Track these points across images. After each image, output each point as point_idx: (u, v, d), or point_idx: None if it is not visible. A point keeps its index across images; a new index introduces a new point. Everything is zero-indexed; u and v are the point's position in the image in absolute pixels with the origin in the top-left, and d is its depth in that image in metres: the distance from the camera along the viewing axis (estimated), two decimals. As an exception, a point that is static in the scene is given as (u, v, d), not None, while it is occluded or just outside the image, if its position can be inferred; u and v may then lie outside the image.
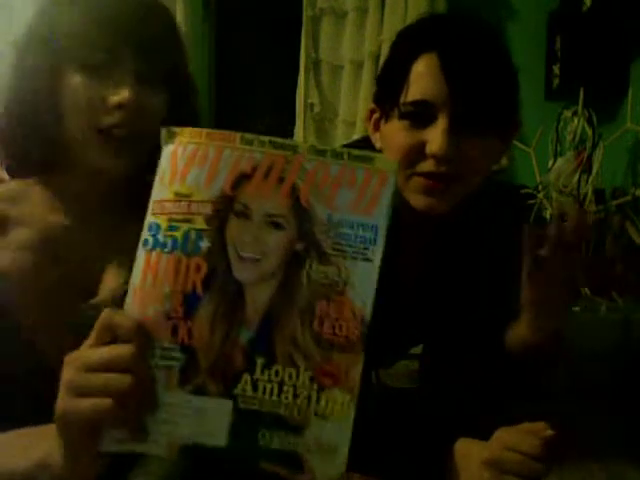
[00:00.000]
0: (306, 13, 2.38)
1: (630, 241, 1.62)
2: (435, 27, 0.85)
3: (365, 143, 0.92)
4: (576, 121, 1.88)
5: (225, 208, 0.54)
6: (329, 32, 2.38)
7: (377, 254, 0.53)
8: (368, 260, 0.53)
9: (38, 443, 0.58)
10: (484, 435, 0.77)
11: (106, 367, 0.52)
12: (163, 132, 0.57)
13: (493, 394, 0.93)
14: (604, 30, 1.82)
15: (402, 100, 0.81)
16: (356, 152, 0.55)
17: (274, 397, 0.52)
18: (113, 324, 0.53)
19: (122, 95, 0.71)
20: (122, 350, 0.52)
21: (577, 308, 1.44)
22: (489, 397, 0.92)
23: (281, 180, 0.54)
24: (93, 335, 0.53)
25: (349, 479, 0.80)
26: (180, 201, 0.55)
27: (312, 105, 2.38)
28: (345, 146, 1.10)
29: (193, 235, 0.54)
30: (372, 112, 0.90)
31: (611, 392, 1.20)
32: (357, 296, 0.53)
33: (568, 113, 1.94)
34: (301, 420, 0.52)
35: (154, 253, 0.54)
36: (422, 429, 0.80)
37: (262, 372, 0.52)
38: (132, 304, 0.54)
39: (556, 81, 2.15)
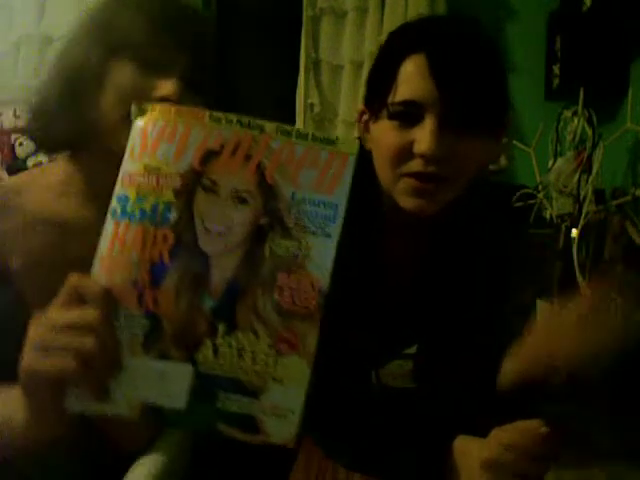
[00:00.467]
0: (306, 13, 2.38)
1: (630, 241, 1.61)
2: (423, 28, 0.85)
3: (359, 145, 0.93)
4: (576, 121, 1.88)
5: (193, 182, 0.57)
6: (329, 32, 2.38)
7: (336, 230, 0.56)
8: (328, 236, 0.56)
9: (3, 401, 0.59)
10: (483, 431, 0.78)
11: (71, 328, 0.54)
12: (133, 107, 0.59)
13: (489, 392, 0.94)
14: (604, 30, 1.82)
15: (391, 100, 0.82)
16: (320, 134, 0.58)
17: (234, 362, 0.55)
18: (80, 287, 0.55)
19: (167, 89, 0.74)
20: (88, 313, 0.54)
21: (577, 308, 1.43)
22: (485, 395, 0.93)
23: (248, 158, 0.57)
24: (60, 297, 0.55)
25: (350, 477, 0.80)
26: (149, 174, 0.57)
27: (312, 105, 2.38)
28: None
29: (161, 207, 0.56)
30: (362, 114, 0.91)
31: (611, 392, 1.20)
32: (316, 269, 0.56)
33: (568, 113, 1.94)
34: (259, 384, 0.55)
35: (122, 223, 0.56)
36: (420, 428, 0.81)
37: (223, 338, 0.55)
38: (99, 272, 0.56)
39: (556, 81, 2.15)
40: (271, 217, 0.56)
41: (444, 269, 0.95)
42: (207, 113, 0.58)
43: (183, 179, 0.57)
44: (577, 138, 1.87)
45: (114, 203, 0.57)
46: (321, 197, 0.57)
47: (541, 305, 1.48)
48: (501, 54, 0.85)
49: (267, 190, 0.57)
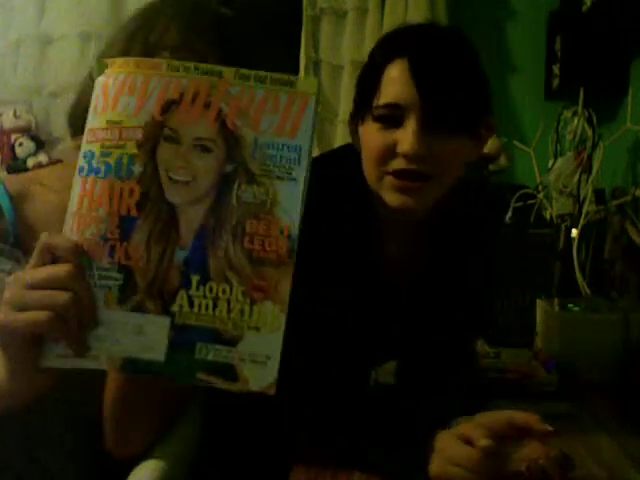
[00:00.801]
0: (306, 13, 2.38)
1: (630, 241, 1.61)
2: (406, 35, 0.90)
3: (349, 149, 0.96)
4: (576, 121, 1.88)
5: (155, 133, 0.57)
6: (329, 32, 2.38)
7: (301, 173, 0.56)
8: (293, 179, 0.56)
9: None
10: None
11: (45, 284, 0.55)
12: (94, 64, 0.59)
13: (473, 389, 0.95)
14: (604, 30, 1.82)
15: (375, 104, 0.86)
16: (278, 76, 0.57)
17: (209, 312, 0.55)
18: (52, 245, 0.56)
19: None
20: (60, 268, 0.55)
21: (577, 308, 1.44)
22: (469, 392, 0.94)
23: (207, 105, 0.57)
24: (34, 257, 0.56)
25: (350, 477, 0.80)
26: (112, 128, 0.57)
27: (312, 105, 2.38)
28: (331, 152, 1.15)
29: (125, 160, 0.56)
30: (352, 117, 0.95)
31: (611, 392, 1.20)
32: (284, 213, 0.56)
33: (568, 113, 1.94)
34: (235, 333, 0.55)
35: (89, 179, 0.57)
36: (405, 424, 0.82)
37: (197, 289, 0.55)
38: (70, 229, 0.57)
39: (556, 81, 2.15)
40: (236, 164, 0.56)
41: (440, 269, 0.97)
42: (165, 62, 0.58)
43: (145, 131, 0.57)
44: (577, 138, 1.87)
45: (81, 160, 0.58)
46: (284, 140, 0.56)
47: (541, 305, 1.48)
48: (480, 60, 0.89)
49: (229, 137, 0.56)
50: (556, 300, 1.46)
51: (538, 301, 1.48)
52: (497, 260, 1.05)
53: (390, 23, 2.26)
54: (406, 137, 0.83)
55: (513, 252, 1.43)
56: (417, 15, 2.22)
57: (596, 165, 1.73)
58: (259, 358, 0.55)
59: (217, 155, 0.56)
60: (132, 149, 0.57)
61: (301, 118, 0.57)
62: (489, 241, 1.02)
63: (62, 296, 0.54)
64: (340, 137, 2.34)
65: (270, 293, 0.56)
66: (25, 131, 2.40)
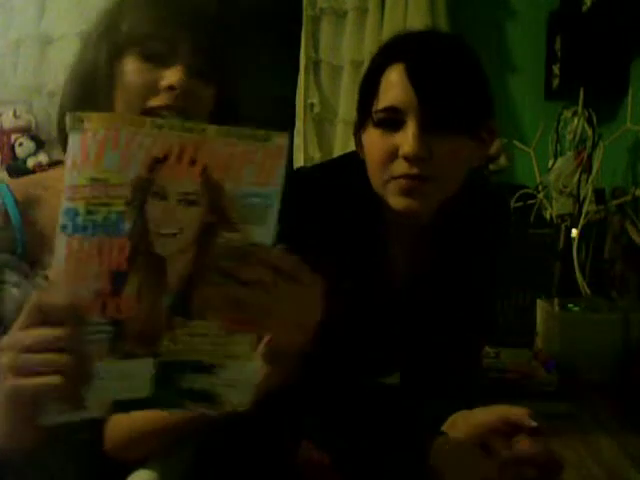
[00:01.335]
0: (306, 13, 2.38)
1: (630, 241, 1.61)
2: (405, 40, 0.92)
3: (353, 157, 0.96)
4: (576, 121, 1.88)
5: (143, 190, 0.58)
6: (329, 32, 2.38)
7: (273, 217, 0.61)
8: (266, 225, 0.60)
9: None
10: None
11: (45, 347, 0.55)
12: (69, 117, 0.58)
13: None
14: (604, 30, 1.82)
15: (374, 108, 0.88)
16: (256, 132, 0.61)
17: (190, 347, 0.59)
18: (45, 305, 0.56)
19: (172, 77, 0.76)
20: (57, 331, 0.56)
21: (577, 308, 1.44)
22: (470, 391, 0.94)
23: (193, 162, 0.59)
24: (24, 317, 0.57)
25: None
26: (97, 186, 0.58)
27: (312, 105, 2.38)
28: (335, 160, 1.15)
29: (114, 217, 0.58)
30: (356, 128, 0.96)
31: (611, 392, 1.20)
32: None
33: (568, 113, 1.94)
34: (214, 362, 0.60)
35: (75, 237, 0.58)
36: (407, 425, 0.82)
37: (181, 329, 0.59)
38: (60, 287, 0.58)
39: (556, 81, 2.15)
40: (217, 214, 0.59)
41: (445, 271, 0.97)
42: (149, 120, 0.59)
43: (133, 188, 0.58)
44: (577, 138, 1.87)
45: (63, 219, 0.58)
46: (259, 190, 0.60)
47: (541, 305, 1.48)
48: (479, 61, 0.89)
49: (212, 189, 0.59)
50: (556, 300, 1.46)
51: (538, 301, 1.48)
52: (499, 260, 1.05)
53: (390, 23, 2.26)
54: (406, 140, 0.83)
55: (513, 252, 1.43)
56: (417, 15, 2.22)
57: (596, 165, 1.74)
58: (237, 383, 0.61)
59: (201, 207, 0.59)
60: (120, 206, 0.58)
61: (274, 169, 0.60)
62: (494, 242, 1.02)
63: (64, 359, 0.55)
64: (340, 137, 2.34)
65: (245, 325, 0.61)
66: (25, 131, 2.40)
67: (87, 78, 0.81)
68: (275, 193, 0.60)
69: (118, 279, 0.58)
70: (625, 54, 1.79)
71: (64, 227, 0.57)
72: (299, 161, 2.36)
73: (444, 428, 0.82)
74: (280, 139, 0.61)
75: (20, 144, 2.39)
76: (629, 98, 1.73)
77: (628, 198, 1.66)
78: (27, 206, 0.78)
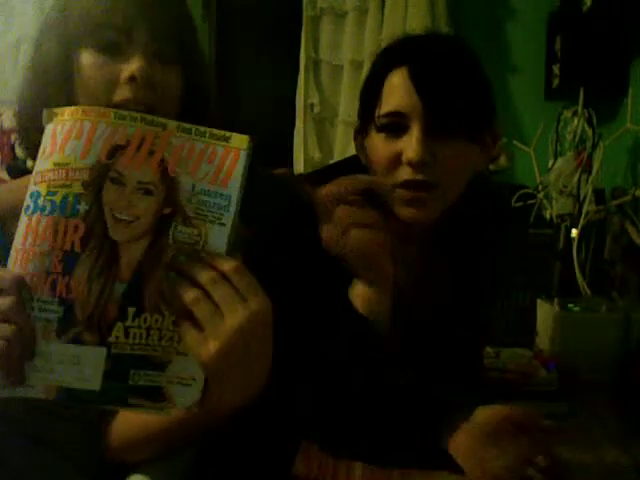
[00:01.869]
0: (306, 13, 2.38)
1: (630, 241, 1.61)
2: (405, 44, 0.90)
3: (354, 162, 0.96)
4: (576, 121, 1.88)
5: (101, 175, 0.61)
6: (329, 32, 2.38)
7: (230, 219, 0.61)
8: (222, 224, 0.61)
9: None
10: None
11: None
12: (44, 113, 0.63)
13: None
14: (604, 30, 1.82)
15: (377, 114, 0.87)
16: (216, 132, 0.62)
17: (142, 341, 0.59)
18: None
19: (132, 67, 0.73)
20: (2, 301, 0.57)
21: (577, 308, 1.44)
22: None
23: (151, 153, 0.61)
24: None
25: (351, 468, 0.81)
26: (59, 169, 0.61)
27: (312, 105, 2.38)
28: (336, 165, 1.14)
29: (71, 198, 0.60)
30: (357, 132, 0.95)
31: (611, 392, 1.20)
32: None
33: (568, 113, 1.94)
34: (165, 358, 0.59)
35: (34, 216, 0.60)
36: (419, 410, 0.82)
37: (133, 320, 0.59)
38: (14, 263, 0.60)
39: (556, 81, 2.15)
40: (173, 207, 0.61)
41: (445, 271, 0.96)
42: (112, 111, 0.62)
43: (91, 172, 0.60)
44: (577, 138, 1.87)
45: (27, 200, 0.61)
46: (217, 189, 0.61)
47: (541, 305, 1.48)
48: (481, 65, 0.89)
49: (169, 182, 0.61)
50: (556, 300, 1.46)
51: (538, 301, 1.48)
52: (500, 260, 1.04)
53: (390, 23, 2.26)
54: (410, 145, 0.83)
55: (513, 252, 1.43)
56: (417, 15, 2.22)
57: (596, 165, 1.73)
58: (185, 380, 0.60)
59: (157, 198, 0.60)
60: (78, 189, 0.60)
61: (233, 170, 0.62)
62: (495, 242, 1.01)
63: (6, 329, 0.56)
64: (340, 137, 2.34)
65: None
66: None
67: (44, 76, 0.78)
68: (232, 196, 0.61)
69: (70, 259, 0.59)
70: (625, 54, 1.79)
71: (27, 208, 0.61)
72: (299, 161, 2.36)
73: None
74: (240, 142, 0.62)
75: (20, 144, 2.39)
76: (629, 98, 1.73)
77: (628, 198, 1.66)
78: (8, 218, 0.75)
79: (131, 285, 0.59)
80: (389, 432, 0.82)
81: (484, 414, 0.77)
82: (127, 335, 0.59)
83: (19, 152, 2.40)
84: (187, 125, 0.62)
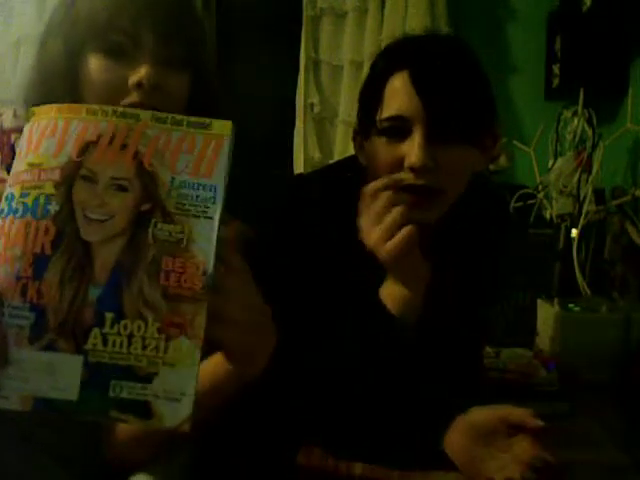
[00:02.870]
0: (306, 13, 2.38)
1: (630, 241, 1.61)
2: (406, 47, 0.89)
3: (353, 162, 0.96)
4: (576, 121, 1.88)
5: (72, 173, 0.58)
6: (329, 32, 2.38)
7: (217, 212, 0.57)
8: (209, 217, 0.57)
9: None
10: None
11: None
12: (24, 113, 0.61)
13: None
14: (604, 30, 1.82)
15: (379, 117, 0.86)
16: (194, 119, 0.59)
17: (124, 349, 0.55)
18: None
19: (140, 73, 0.72)
20: None
21: (577, 308, 1.44)
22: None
23: (124, 146, 0.58)
24: None
25: (351, 468, 0.81)
26: (32, 170, 0.58)
27: (312, 105, 2.38)
28: (335, 165, 1.14)
29: (42, 200, 0.57)
30: (356, 133, 0.94)
31: (611, 392, 1.20)
32: (199, 251, 0.56)
33: (568, 113, 1.94)
34: (150, 370, 0.55)
35: (7, 219, 0.57)
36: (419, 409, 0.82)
37: (112, 326, 0.55)
38: None
39: (556, 81, 2.15)
40: (152, 203, 0.57)
41: (445, 271, 0.96)
42: (85, 107, 0.60)
43: (62, 171, 0.58)
44: (577, 138, 1.87)
45: (2, 203, 0.58)
46: (200, 180, 0.58)
47: (541, 305, 1.48)
48: (481, 66, 0.88)
49: (146, 177, 0.58)
50: (556, 300, 1.46)
51: (538, 301, 1.48)
52: (500, 261, 1.04)
53: (390, 23, 2.26)
54: (412, 149, 0.82)
55: (513, 252, 1.43)
56: (417, 15, 2.22)
57: (596, 165, 1.73)
58: (173, 394, 0.55)
59: (133, 194, 0.57)
60: (49, 189, 0.57)
61: (216, 159, 0.58)
62: (494, 242, 1.01)
63: None
64: (340, 137, 2.34)
65: (186, 329, 0.56)
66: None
67: (49, 79, 0.77)
68: (218, 186, 0.58)
69: (40, 262, 0.56)
70: (625, 54, 1.79)
71: (1, 211, 0.58)
72: (299, 161, 2.36)
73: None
74: (222, 128, 0.59)
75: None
76: (629, 98, 1.73)
77: (628, 198, 1.66)
78: None
79: (108, 288, 0.56)
80: (390, 432, 0.82)
81: (480, 414, 0.77)
82: (105, 343, 0.55)
83: (19, 152, 2.40)
84: (162, 114, 0.59)
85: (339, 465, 0.82)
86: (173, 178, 0.58)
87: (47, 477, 0.69)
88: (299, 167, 2.34)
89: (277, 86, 2.51)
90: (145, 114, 0.59)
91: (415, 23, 2.20)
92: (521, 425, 0.74)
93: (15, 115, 2.41)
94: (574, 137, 1.88)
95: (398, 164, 0.84)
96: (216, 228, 0.57)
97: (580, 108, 1.86)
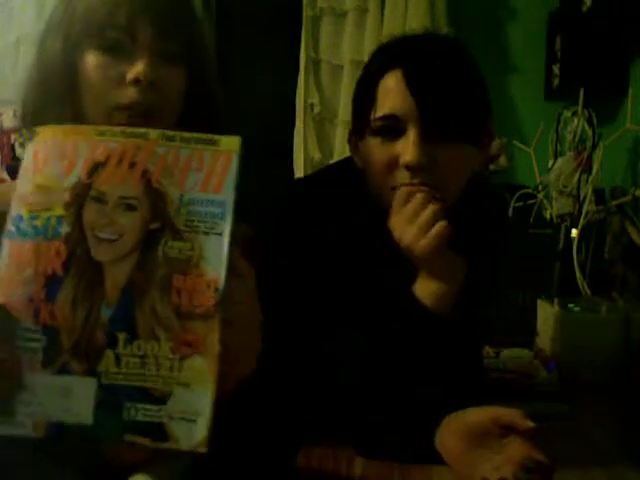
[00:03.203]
0: (306, 13, 2.38)
1: (630, 241, 1.61)
2: (399, 46, 0.89)
3: (349, 164, 0.96)
4: (576, 121, 1.88)
5: (82, 195, 0.58)
6: (329, 32, 2.38)
7: (227, 228, 0.57)
8: (218, 234, 0.56)
9: None
10: None
11: None
12: (25, 132, 0.61)
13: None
14: (604, 30, 1.82)
15: (372, 117, 0.86)
16: (203, 136, 0.59)
17: (137, 370, 0.54)
18: None
19: (137, 69, 0.72)
20: None
21: (577, 308, 1.44)
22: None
23: (133, 165, 0.58)
24: None
25: (352, 463, 0.81)
26: (40, 192, 0.58)
27: (312, 105, 2.38)
28: (330, 167, 1.14)
29: (53, 221, 0.57)
30: (351, 134, 0.94)
31: (611, 392, 1.20)
32: (211, 268, 0.56)
33: (568, 113, 1.94)
34: (164, 390, 0.54)
35: (16, 241, 0.57)
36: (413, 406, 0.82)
37: (125, 347, 0.55)
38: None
39: (556, 81, 2.15)
40: (161, 221, 0.57)
41: None
42: (93, 128, 0.60)
43: (72, 192, 0.58)
44: (577, 138, 1.87)
45: (9, 224, 0.58)
46: (209, 197, 0.57)
47: (541, 305, 1.48)
48: (475, 63, 0.88)
49: (154, 195, 0.57)
50: (556, 300, 1.46)
51: (538, 301, 1.48)
52: (500, 261, 1.04)
53: (390, 23, 2.26)
54: (407, 148, 0.82)
55: (513, 252, 1.43)
56: (417, 15, 2.22)
57: (596, 165, 1.73)
58: (189, 415, 0.54)
59: (142, 213, 0.57)
60: (59, 210, 0.58)
61: (225, 175, 0.58)
62: (494, 242, 1.01)
63: None
64: (340, 137, 2.34)
65: (199, 348, 0.55)
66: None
67: (48, 77, 0.77)
68: (227, 202, 0.57)
69: (52, 284, 0.56)
70: (625, 54, 1.79)
71: (9, 232, 0.58)
72: (299, 161, 2.36)
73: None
74: (230, 144, 0.59)
75: (20, 144, 2.39)
76: (629, 98, 1.72)
77: (628, 198, 1.66)
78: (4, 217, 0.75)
79: (119, 308, 0.55)
80: (390, 431, 0.82)
81: (471, 416, 0.77)
82: (119, 364, 0.54)
83: (19, 152, 2.40)
84: (170, 132, 0.59)
85: (339, 459, 0.82)
86: (182, 195, 0.57)
87: (47, 477, 0.69)
88: (299, 167, 2.35)
89: (277, 86, 2.51)
90: (154, 133, 0.59)
91: (415, 23, 2.20)
92: (512, 426, 0.74)
93: (15, 115, 2.41)
94: (574, 137, 1.88)
95: (393, 163, 0.85)
96: (226, 244, 0.56)
97: (580, 108, 1.86)
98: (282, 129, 2.40)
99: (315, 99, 2.37)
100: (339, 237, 0.90)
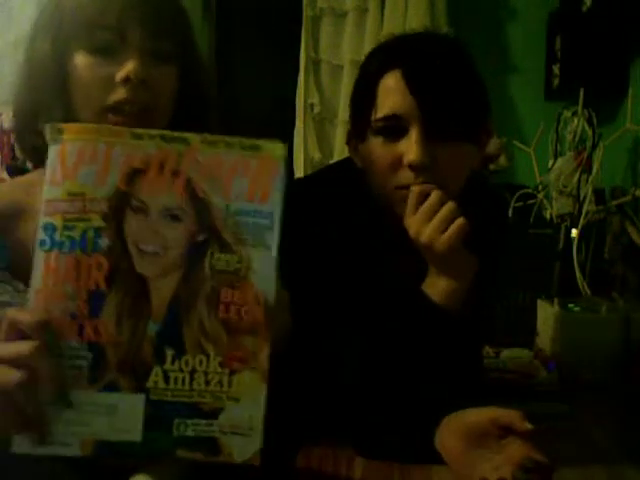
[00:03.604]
0: (306, 13, 2.38)
1: (630, 241, 1.61)
2: (398, 45, 0.89)
3: (349, 164, 0.95)
4: (576, 121, 1.88)
5: (121, 204, 0.55)
6: (329, 32, 2.38)
7: (274, 240, 0.55)
8: (267, 246, 0.54)
9: None
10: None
11: (6, 361, 0.51)
12: (48, 129, 0.56)
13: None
14: (604, 30, 1.82)
15: (373, 117, 0.86)
16: (247, 141, 0.56)
17: (186, 386, 0.53)
18: (17, 321, 0.53)
19: (127, 68, 0.71)
20: (21, 346, 0.52)
21: (577, 308, 1.44)
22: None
23: (176, 174, 0.55)
24: (0, 331, 0.53)
25: (352, 463, 0.80)
26: (74, 200, 0.55)
27: (312, 105, 2.38)
28: (330, 167, 1.14)
29: (91, 233, 0.54)
30: (350, 135, 0.94)
31: (611, 392, 1.20)
32: (260, 281, 0.54)
33: (568, 113, 1.94)
34: (215, 405, 0.53)
35: (53, 254, 0.54)
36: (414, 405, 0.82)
37: (172, 363, 0.53)
38: (36, 305, 0.54)
39: (556, 81, 2.15)
40: (207, 232, 0.55)
41: None
42: (128, 130, 0.56)
43: (110, 202, 0.55)
44: (577, 138, 1.87)
45: (41, 233, 0.55)
46: (255, 206, 0.55)
47: (541, 305, 1.48)
48: (473, 62, 0.88)
49: (199, 205, 0.55)
50: (556, 300, 1.46)
51: (538, 301, 1.48)
52: (500, 261, 1.05)
53: (390, 23, 2.26)
54: (410, 147, 0.82)
55: (513, 252, 1.43)
56: (417, 15, 2.22)
57: (596, 165, 1.73)
58: (241, 430, 0.54)
59: (187, 224, 0.55)
60: (98, 221, 0.55)
61: (271, 183, 0.56)
62: (493, 242, 1.01)
63: (14, 375, 0.51)
64: (340, 137, 2.34)
65: (248, 362, 0.54)
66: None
67: (39, 78, 0.76)
68: (275, 213, 0.55)
69: (96, 299, 0.54)
70: (625, 54, 1.79)
71: (42, 242, 0.55)
72: (299, 161, 2.36)
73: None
74: (276, 149, 0.56)
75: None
76: (629, 98, 1.72)
77: (628, 198, 1.66)
78: (8, 221, 0.72)
79: (166, 324, 0.54)
80: (390, 431, 0.82)
81: (470, 416, 0.77)
82: (167, 380, 0.53)
83: (19, 152, 2.40)
84: (213, 137, 0.56)
85: (340, 459, 0.82)
86: (227, 206, 0.55)
87: (47, 477, 0.69)
88: (299, 167, 2.35)
89: (277, 86, 2.51)
90: (194, 138, 0.56)
91: (415, 23, 2.20)
92: (512, 426, 0.74)
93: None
94: (574, 137, 1.88)
95: (396, 163, 0.84)
96: (275, 257, 0.55)
97: (580, 108, 1.86)
98: (282, 129, 2.40)
99: (315, 99, 2.37)
100: (339, 237, 0.90)
